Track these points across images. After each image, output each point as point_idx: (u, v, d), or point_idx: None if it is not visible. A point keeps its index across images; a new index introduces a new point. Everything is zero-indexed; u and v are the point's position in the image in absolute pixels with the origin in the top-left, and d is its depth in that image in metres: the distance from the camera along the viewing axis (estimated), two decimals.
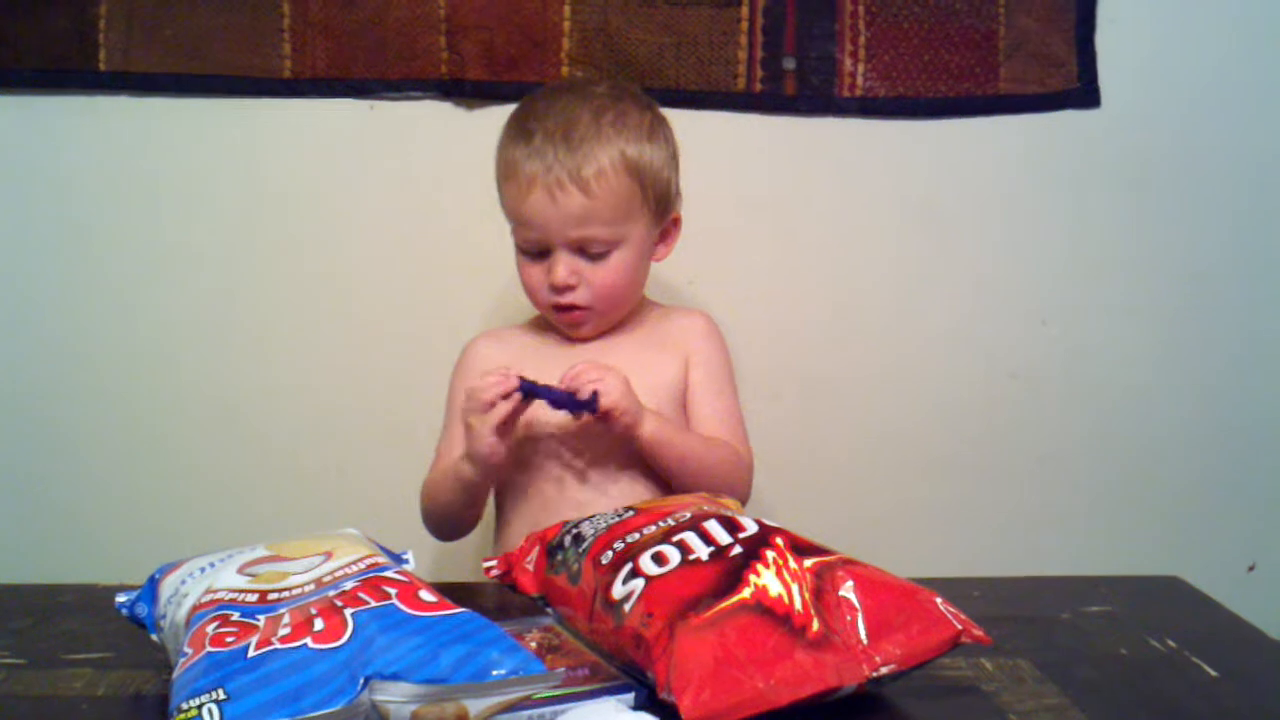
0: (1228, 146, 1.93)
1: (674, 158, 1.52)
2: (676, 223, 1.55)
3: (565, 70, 1.85)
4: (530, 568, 1.11)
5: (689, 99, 1.78)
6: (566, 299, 1.47)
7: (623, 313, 1.53)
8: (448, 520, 1.51)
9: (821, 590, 0.93)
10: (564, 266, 1.45)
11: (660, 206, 1.51)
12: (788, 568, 0.94)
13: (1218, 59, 1.91)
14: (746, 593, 0.92)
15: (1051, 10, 1.87)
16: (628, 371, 1.44)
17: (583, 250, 1.45)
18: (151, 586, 1.02)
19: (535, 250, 1.47)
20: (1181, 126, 1.92)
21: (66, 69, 1.83)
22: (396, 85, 1.86)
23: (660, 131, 1.51)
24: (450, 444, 1.50)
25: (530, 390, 1.34)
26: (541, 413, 1.42)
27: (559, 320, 1.51)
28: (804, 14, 1.86)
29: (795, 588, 0.92)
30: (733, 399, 1.55)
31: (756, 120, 1.88)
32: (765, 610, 0.91)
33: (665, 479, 1.44)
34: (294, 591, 0.94)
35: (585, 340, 1.54)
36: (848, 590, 0.93)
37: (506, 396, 1.34)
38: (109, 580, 1.15)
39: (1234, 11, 1.91)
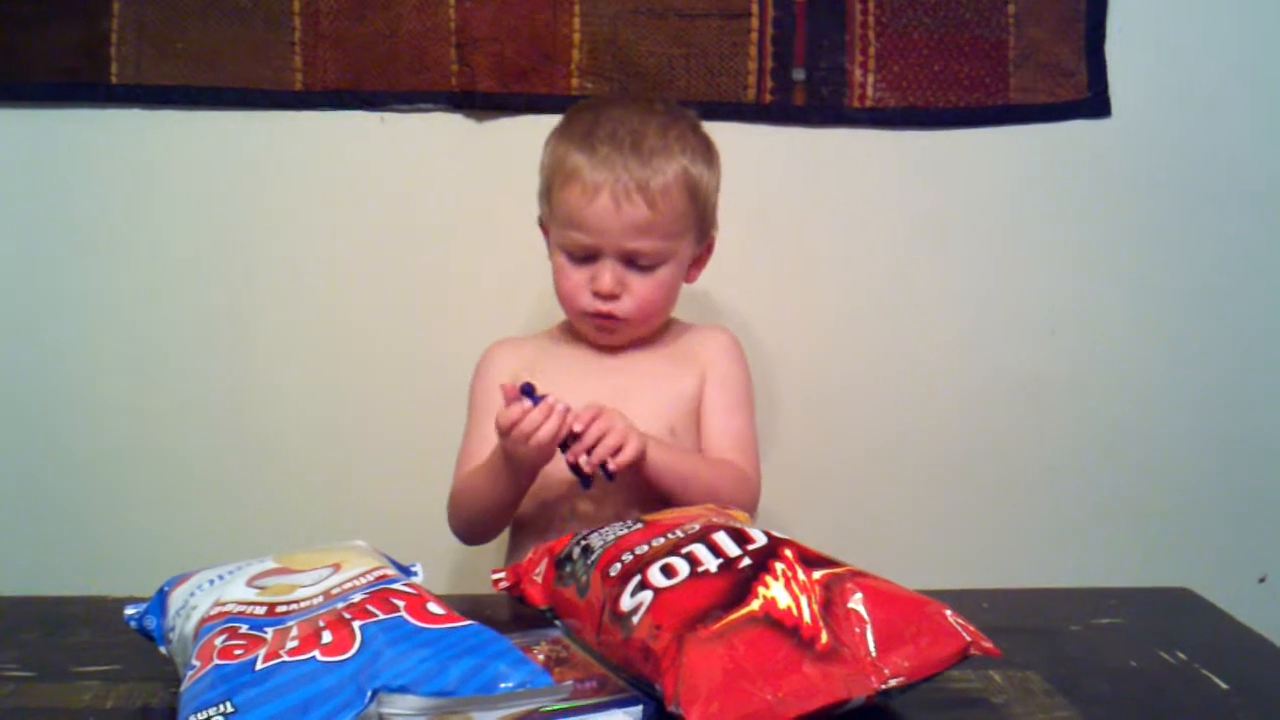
0: (1238, 157, 1.92)
1: (719, 185, 1.53)
2: (710, 247, 1.56)
3: (575, 82, 1.86)
4: (539, 580, 1.11)
5: (699, 110, 1.77)
6: (608, 307, 1.47)
7: (652, 328, 1.54)
8: (486, 520, 1.50)
9: (830, 602, 0.93)
10: (611, 275, 1.46)
11: (703, 229, 1.52)
12: (796, 580, 0.94)
13: (1228, 68, 1.91)
14: (755, 605, 0.92)
15: (1061, 20, 1.87)
16: (645, 384, 1.45)
17: (631, 261, 1.46)
18: (160, 599, 1.02)
19: (581, 255, 1.47)
20: (1192, 136, 1.92)
21: (78, 82, 1.83)
22: (407, 97, 1.86)
23: (715, 157, 1.53)
24: (476, 445, 1.50)
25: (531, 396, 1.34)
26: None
27: (592, 324, 1.51)
28: (813, 25, 1.87)
29: (804, 600, 0.92)
30: (747, 418, 1.55)
31: (766, 131, 1.88)
32: (774, 622, 0.90)
33: (668, 501, 1.43)
34: (302, 604, 0.94)
35: (606, 351, 1.54)
36: (856, 602, 0.93)
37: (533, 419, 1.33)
38: (118, 593, 1.15)
39: (1244, 21, 1.90)
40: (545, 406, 1.32)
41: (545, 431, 1.32)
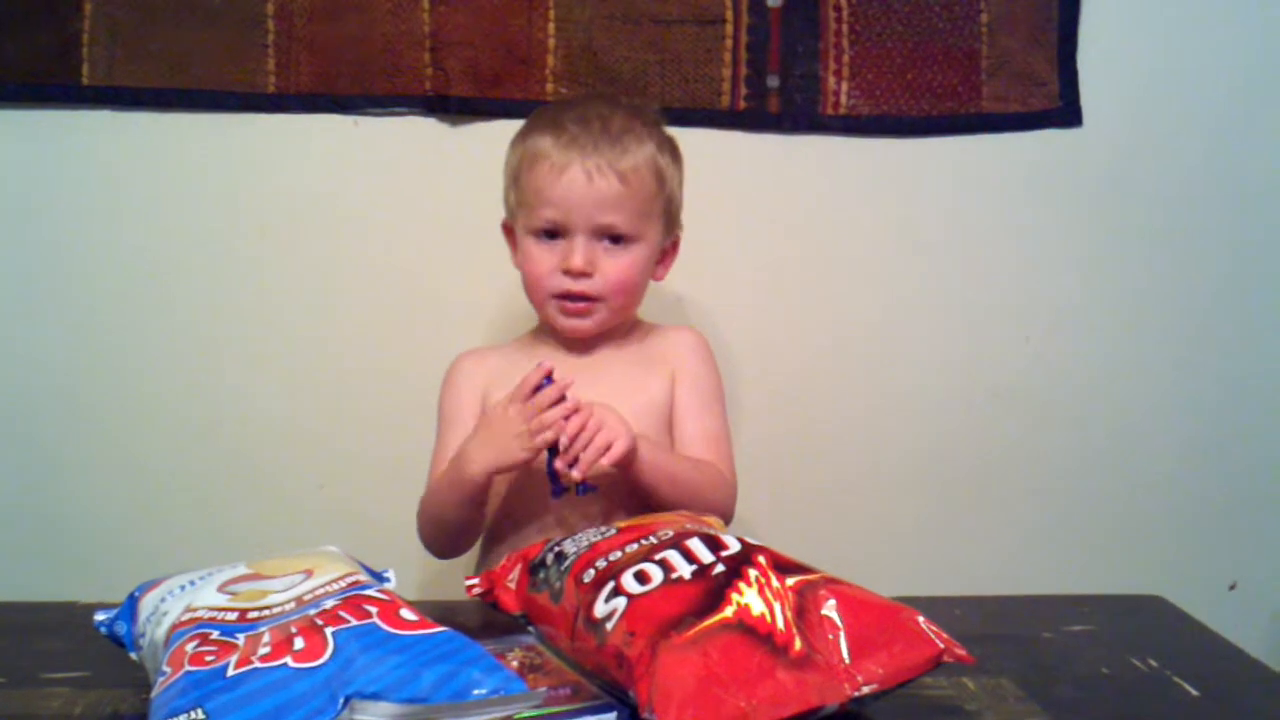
0: (1209, 165, 1.94)
1: (682, 182, 1.54)
2: (675, 245, 1.56)
3: (550, 87, 1.85)
4: (512, 586, 1.11)
5: (673, 116, 1.77)
6: (580, 286, 1.46)
7: (620, 318, 1.53)
8: (455, 532, 1.48)
9: (804, 609, 0.93)
10: (582, 252, 1.45)
11: (669, 222, 1.52)
12: (770, 586, 0.94)
13: (1199, 77, 1.92)
14: (729, 611, 0.92)
15: (1033, 30, 1.88)
16: (617, 390, 1.43)
17: (601, 238, 1.46)
18: (131, 605, 1.01)
19: (550, 235, 1.47)
20: (1163, 145, 1.93)
21: (50, 84, 1.82)
22: (381, 101, 1.86)
23: (679, 154, 1.54)
24: (445, 456, 1.48)
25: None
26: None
27: (562, 310, 1.49)
28: (788, 33, 1.87)
29: (778, 606, 0.92)
30: (720, 418, 1.55)
31: (740, 137, 1.89)
32: (747, 629, 0.90)
33: (651, 501, 1.42)
34: (274, 610, 0.93)
35: (574, 354, 1.53)
36: (830, 609, 0.93)
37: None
38: (88, 598, 1.14)
39: (1216, 31, 1.92)
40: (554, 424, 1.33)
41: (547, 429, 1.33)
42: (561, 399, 1.34)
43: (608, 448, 1.33)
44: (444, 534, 1.49)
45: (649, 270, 1.52)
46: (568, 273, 1.46)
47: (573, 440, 1.32)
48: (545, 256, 1.47)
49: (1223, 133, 1.94)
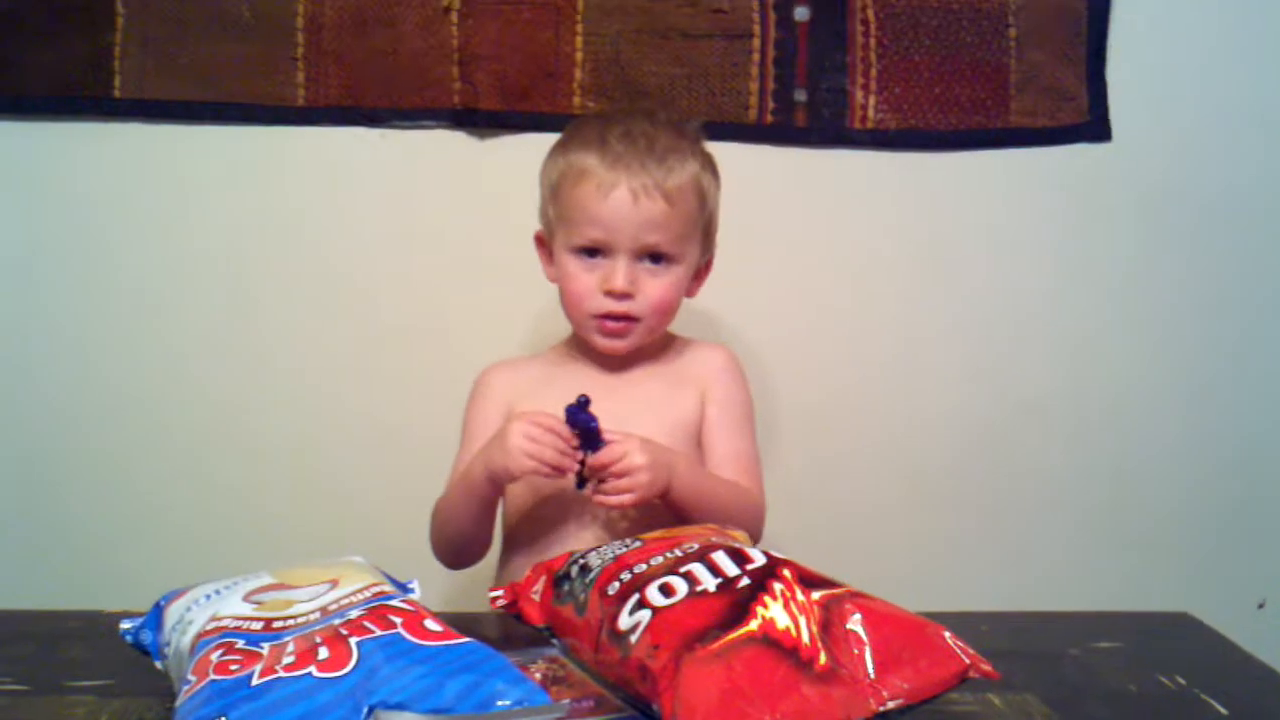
0: (1239, 180, 1.93)
1: (719, 201, 1.54)
2: (709, 265, 1.56)
3: (577, 100, 1.86)
4: (536, 598, 1.10)
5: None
6: (621, 307, 1.46)
7: (654, 335, 1.53)
8: (461, 541, 1.49)
9: (829, 623, 0.92)
10: (625, 273, 1.44)
11: (707, 240, 1.52)
12: (795, 600, 0.93)
13: (1229, 92, 1.92)
14: (754, 625, 0.91)
15: (1062, 44, 1.88)
16: (648, 408, 1.44)
17: (643, 259, 1.45)
18: (156, 613, 1.02)
19: (592, 254, 1.46)
20: (1192, 160, 1.92)
21: (81, 96, 1.84)
22: (409, 114, 1.87)
23: (718, 172, 1.53)
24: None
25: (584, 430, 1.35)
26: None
27: (601, 330, 1.49)
28: (815, 47, 1.87)
29: (803, 620, 0.92)
30: (749, 439, 1.54)
31: (767, 151, 1.89)
32: (772, 643, 0.90)
33: (680, 519, 1.41)
34: (299, 620, 0.93)
35: (604, 371, 1.53)
36: (855, 623, 0.92)
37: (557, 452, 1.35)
38: (114, 607, 1.15)
39: (1245, 45, 1.91)
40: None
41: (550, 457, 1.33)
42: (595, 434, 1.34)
43: (629, 489, 1.34)
44: (448, 541, 1.50)
45: (684, 289, 1.52)
46: (609, 294, 1.45)
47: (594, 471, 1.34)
48: (586, 275, 1.47)
49: (1252, 147, 1.93)
